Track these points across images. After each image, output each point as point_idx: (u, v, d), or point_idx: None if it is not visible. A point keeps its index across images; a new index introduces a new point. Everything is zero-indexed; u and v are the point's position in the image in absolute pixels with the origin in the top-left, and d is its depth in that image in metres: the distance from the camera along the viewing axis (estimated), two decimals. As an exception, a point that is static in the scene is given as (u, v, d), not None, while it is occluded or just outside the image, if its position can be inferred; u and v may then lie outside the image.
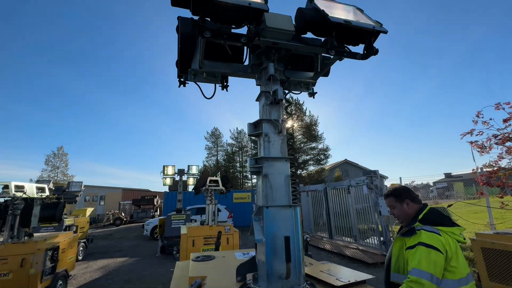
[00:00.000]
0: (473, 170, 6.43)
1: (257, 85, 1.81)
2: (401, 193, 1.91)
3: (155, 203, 26.45)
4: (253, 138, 1.70)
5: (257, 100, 1.76)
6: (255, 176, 1.62)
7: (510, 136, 5.48)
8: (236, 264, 2.00)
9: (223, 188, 5.77)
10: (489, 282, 3.12)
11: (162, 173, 9.06)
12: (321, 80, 2.09)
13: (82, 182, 8.59)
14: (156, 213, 25.62)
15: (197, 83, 1.89)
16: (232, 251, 2.51)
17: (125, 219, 23.64)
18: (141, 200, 26.76)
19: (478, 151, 5.75)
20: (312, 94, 2.11)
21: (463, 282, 1.57)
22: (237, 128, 38.14)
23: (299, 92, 2.10)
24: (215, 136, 38.10)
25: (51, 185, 7.49)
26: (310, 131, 23.17)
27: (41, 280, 4.31)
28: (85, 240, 9.14)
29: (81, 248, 8.57)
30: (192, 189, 6.43)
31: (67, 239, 5.37)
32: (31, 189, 4.93)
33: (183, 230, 5.60)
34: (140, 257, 8.71)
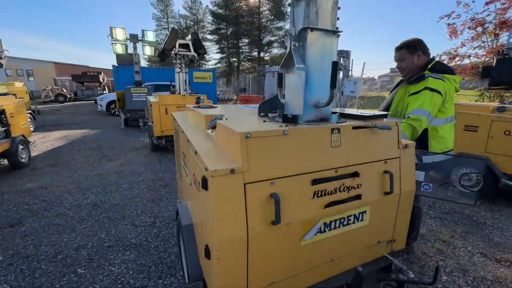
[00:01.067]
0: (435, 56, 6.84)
1: None
2: (415, 45, 1.91)
3: (101, 80, 23.79)
4: None
5: None
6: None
7: (483, 21, 5.62)
8: (244, 111, 1.97)
9: (195, 54, 5.14)
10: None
11: (110, 37, 7.51)
12: None
13: (0, 40, 6.69)
14: (104, 91, 23.55)
15: None
16: (228, 105, 2.44)
17: (69, 96, 21.39)
18: (83, 76, 23.61)
19: (450, 36, 5.91)
20: None
21: (448, 120, 1.85)
22: (191, -6, 31.33)
23: None
24: (163, 3, 31.28)
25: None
26: (279, 7, 20.48)
27: (-3, 143, 3.95)
28: (30, 111, 8.21)
29: (29, 120, 7.79)
30: (157, 55, 5.58)
31: (12, 103, 4.66)
32: None
33: (152, 99, 5.27)
34: (103, 129, 8.48)
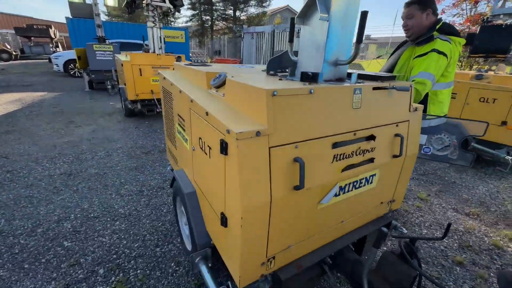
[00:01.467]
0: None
1: None
2: (427, 1, 1.79)
3: (53, 36, 20.75)
4: None
5: None
6: None
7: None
8: (244, 70, 1.79)
9: (171, 6, 4.53)
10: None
11: (61, -20, 6.30)
12: None
13: None
14: (57, 49, 20.73)
15: None
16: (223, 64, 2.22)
17: (14, 53, 18.47)
18: (29, 29, 20.31)
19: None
20: None
21: (450, 85, 1.87)
22: None
23: None
24: None
25: None
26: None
27: None
28: (-32, 69, 6.97)
29: (-31, 79, 6.65)
30: (124, 5, 4.81)
31: None
32: None
33: (123, 58, 4.70)
34: (64, 92, 7.57)
